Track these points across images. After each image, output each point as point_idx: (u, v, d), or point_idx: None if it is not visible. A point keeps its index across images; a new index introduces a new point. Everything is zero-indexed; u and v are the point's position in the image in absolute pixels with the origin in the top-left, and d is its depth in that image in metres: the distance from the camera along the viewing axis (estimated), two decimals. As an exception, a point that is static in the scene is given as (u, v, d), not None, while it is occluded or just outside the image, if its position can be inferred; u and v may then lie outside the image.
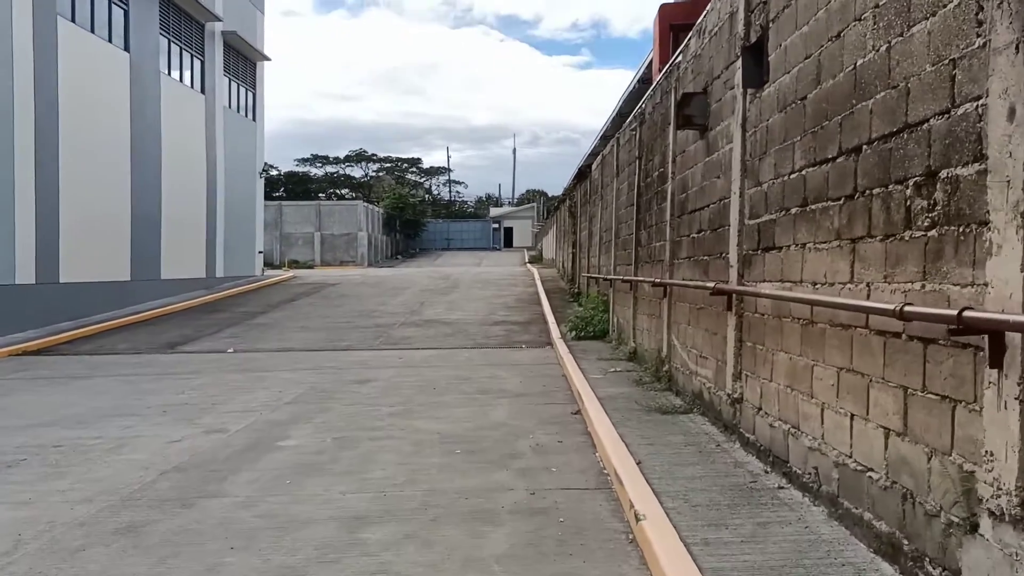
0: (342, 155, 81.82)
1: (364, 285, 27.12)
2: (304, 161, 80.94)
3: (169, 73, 22.38)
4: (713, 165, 6.57)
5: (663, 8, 11.82)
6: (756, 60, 5.45)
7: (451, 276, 31.18)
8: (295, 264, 51.06)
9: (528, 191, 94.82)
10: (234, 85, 27.69)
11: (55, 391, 9.99)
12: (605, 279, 13.38)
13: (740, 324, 5.70)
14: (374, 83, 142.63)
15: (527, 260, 52.84)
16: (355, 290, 25.25)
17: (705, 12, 6.89)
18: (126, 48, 19.66)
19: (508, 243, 75.60)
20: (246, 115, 28.94)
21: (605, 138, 20.80)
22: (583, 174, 18.61)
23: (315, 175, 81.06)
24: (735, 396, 5.76)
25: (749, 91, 5.56)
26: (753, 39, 5.49)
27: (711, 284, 5.97)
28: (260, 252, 30.37)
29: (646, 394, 8.15)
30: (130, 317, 17.89)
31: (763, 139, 5.27)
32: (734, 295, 5.70)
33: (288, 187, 76.11)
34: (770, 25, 5.16)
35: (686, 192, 7.58)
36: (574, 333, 13.91)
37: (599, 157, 15.80)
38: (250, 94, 29.30)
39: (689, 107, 6.84)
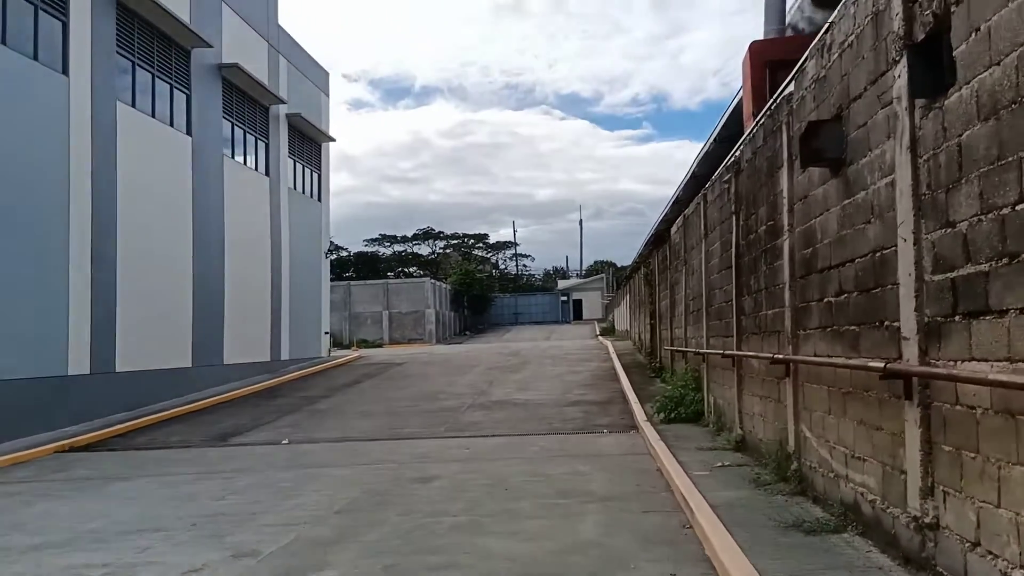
0: (410, 234, 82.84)
1: (431, 364, 26.01)
2: (373, 241, 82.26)
3: (233, 156, 22.30)
4: (857, 208, 5.12)
5: (755, 45, 10.61)
6: (928, 61, 4.05)
7: (520, 352, 29.84)
8: (364, 343, 50.68)
9: (596, 262, 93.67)
10: (299, 166, 27.67)
11: (84, 497, 8.93)
12: (696, 353, 11.79)
13: (927, 419, 4.12)
14: (440, 165, 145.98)
15: (598, 333, 51.18)
16: (421, 370, 24.13)
17: (830, 22, 5.57)
18: (188, 132, 19.57)
19: (578, 315, 74.09)
20: (311, 196, 28.84)
21: (678, 203, 19.38)
22: (660, 239, 17.23)
23: (384, 254, 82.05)
24: (926, 520, 4.13)
25: (919, 103, 4.14)
26: (921, 35, 4.11)
27: (878, 364, 4.43)
28: (326, 333, 29.77)
29: (772, 500, 6.50)
30: (188, 406, 17.08)
31: (952, 162, 3.81)
32: (915, 379, 4.15)
33: (358, 267, 77.10)
34: (952, 9, 3.78)
35: (812, 246, 6.11)
36: (662, 415, 12.26)
37: (680, 218, 14.43)
38: (315, 175, 29.28)
39: (817, 139, 5.45)
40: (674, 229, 15.67)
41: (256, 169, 24.07)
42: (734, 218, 9.19)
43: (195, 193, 19.75)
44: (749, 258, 8.49)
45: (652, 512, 6.86)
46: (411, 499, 7.89)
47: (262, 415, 15.95)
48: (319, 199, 29.46)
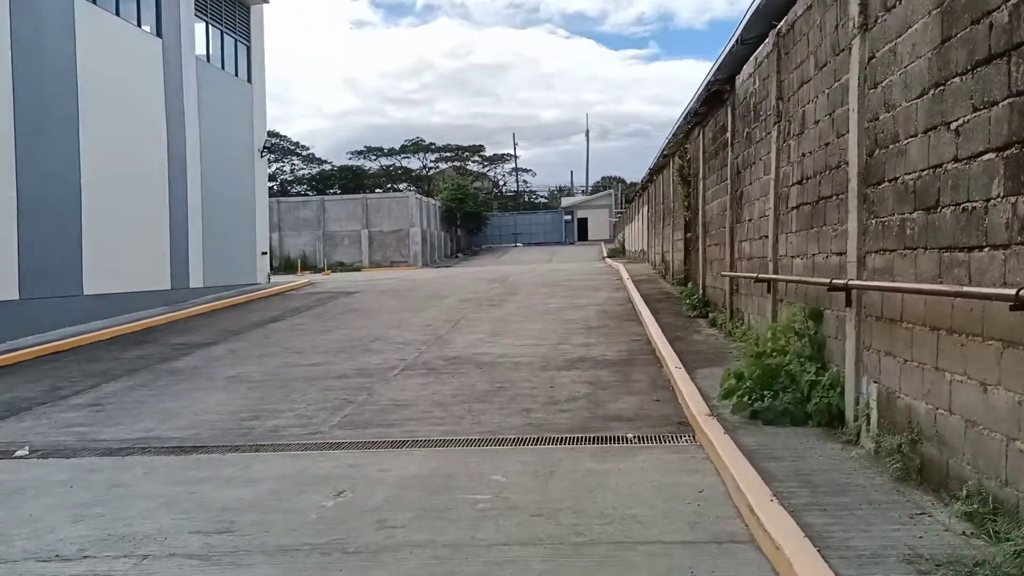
0: (397, 146, 75.43)
1: (390, 294, 19.99)
2: (358, 154, 74.95)
3: (95, 0, 15.68)
4: None
5: None
6: None
7: (510, 277, 23.76)
8: (340, 266, 44.64)
9: (603, 178, 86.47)
10: (215, 32, 20.95)
11: None
12: (830, 287, 5.54)
13: None
14: (444, 86, 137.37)
15: (606, 254, 45.03)
16: (374, 302, 18.12)
17: None
18: (-1, -51, 12.98)
19: (583, 236, 67.67)
20: (236, 74, 22.18)
21: (712, 85, 12.57)
22: (716, 98, 10.78)
23: (370, 169, 75.05)
24: None
25: None
26: None
27: None
28: (264, 253, 23.64)
29: None
30: (-17, 361, 11.14)
31: None
32: None
33: (342, 183, 70.47)
34: None
35: None
36: (740, 400, 6.23)
37: (770, 38, 7.98)
38: (243, 47, 22.54)
39: None
40: (747, 72, 9.24)
41: (140, 24, 17.44)
42: None
43: (16, 42, 13.27)
44: None
45: None
46: None
47: (76, 378, 10.01)
48: (249, 79, 22.80)
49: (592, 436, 6.39)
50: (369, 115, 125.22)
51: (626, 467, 5.47)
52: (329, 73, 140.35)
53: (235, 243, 21.70)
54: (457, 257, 55.55)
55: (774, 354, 6.36)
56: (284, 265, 45.05)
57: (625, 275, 21.62)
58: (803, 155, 6.70)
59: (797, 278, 6.63)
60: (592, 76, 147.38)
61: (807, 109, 6.60)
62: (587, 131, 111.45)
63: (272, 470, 5.82)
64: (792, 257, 7.04)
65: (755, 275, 7.80)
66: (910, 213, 4.46)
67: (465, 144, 78.84)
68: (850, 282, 5.12)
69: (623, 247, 45.55)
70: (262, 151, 23.38)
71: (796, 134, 6.93)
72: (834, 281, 5.40)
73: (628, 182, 73.60)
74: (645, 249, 28.49)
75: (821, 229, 6.17)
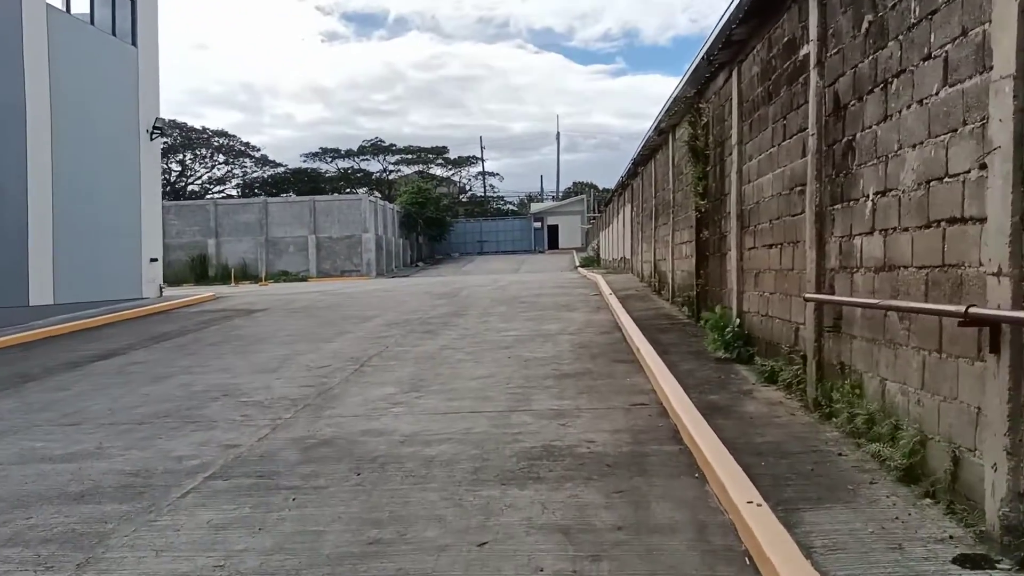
0: (355, 147, 70.29)
1: (302, 313, 15.36)
2: (313, 156, 69.72)
3: None
4: None
5: None
6: None
7: (463, 291, 19.21)
8: (284, 276, 39.70)
9: (575, 183, 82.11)
10: (80, -24, 16.23)
11: None
12: None
13: None
14: (414, 98, 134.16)
15: (578, 264, 40.66)
16: (271, 325, 13.48)
17: None
18: None
19: (553, 244, 63.27)
20: (114, 32, 17.41)
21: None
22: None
23: (326, 172, 69.94)
24: None
25: None
26: None
27: None
28: (153, 260, 18.79)
29: None
30: None
31: None
32: None
33: (296, 187, 65.39)
34: None
35: None
36: None
37: None
38: (126, 3, 17.78)
39: None
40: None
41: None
42: None
43: None
44: None
45: None
46: None
47: None
48: (134, 41, 18.02)
49: None
50: (340, 126, 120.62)
51: None
52: (300, 85, 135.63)
53: (110, 247, 16.90)
54: (417, 266, 50.82)
55: None
56: (221, 275, 39.98)
57: (606, 289, 17.18)
58: None
59: None
60: (560, 89, 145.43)
61: None
62: (558, 133, 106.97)
63: None
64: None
65: (962, 310, 3.30)
66: None
67: (428, 146, 73.94)
68: None
69: (598, 256, 41.25)
70: (152, 132, 18.58)
71: None
72: None
73: (600, 188, 69.51)
74: (627, 257, 24.07)
75: None
